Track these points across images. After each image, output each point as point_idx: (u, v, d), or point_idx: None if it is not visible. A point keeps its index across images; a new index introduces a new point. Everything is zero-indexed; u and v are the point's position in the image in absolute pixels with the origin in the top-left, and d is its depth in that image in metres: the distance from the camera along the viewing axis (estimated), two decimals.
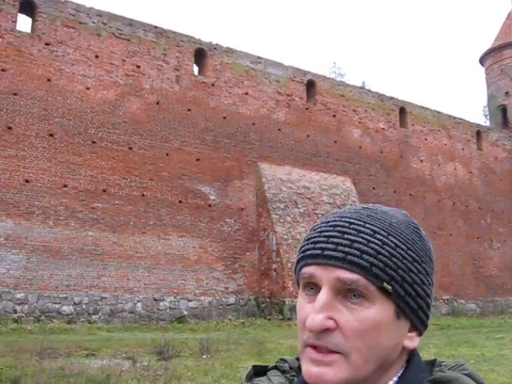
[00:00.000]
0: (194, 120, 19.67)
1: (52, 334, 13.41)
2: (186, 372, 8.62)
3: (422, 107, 27.48)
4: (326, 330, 0.86)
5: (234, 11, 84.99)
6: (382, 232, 0.90)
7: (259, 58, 21.95)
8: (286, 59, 65.78)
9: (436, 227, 25.26)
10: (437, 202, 26.39)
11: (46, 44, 17.24)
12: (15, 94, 16.43)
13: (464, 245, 26.76)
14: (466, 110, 79.26)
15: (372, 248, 0.87)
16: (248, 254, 19.92)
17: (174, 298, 17.94)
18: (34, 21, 17.38)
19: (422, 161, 26.57)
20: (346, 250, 0.88)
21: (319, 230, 0.94)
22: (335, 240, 0.90)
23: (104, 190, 17.38)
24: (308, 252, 0.92)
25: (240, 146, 20.55)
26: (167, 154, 18.83)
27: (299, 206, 20.69)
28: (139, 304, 17.26)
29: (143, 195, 18.07)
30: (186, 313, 17.97)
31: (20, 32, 16.95)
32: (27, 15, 17.53)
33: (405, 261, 0.89)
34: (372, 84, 67.69)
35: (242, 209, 20.17)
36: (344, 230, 0.90)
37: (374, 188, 24.18)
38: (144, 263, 17.59)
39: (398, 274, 0.88)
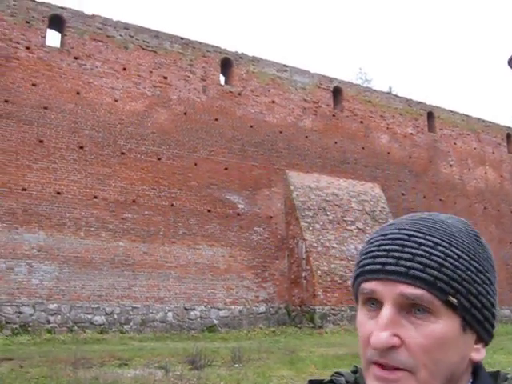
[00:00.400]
0: (222, 129, 19.76)
1: (85, 343, 13.54)
2: (219, 381, 8.63)
3: (451, 111, 27.19)
4: (391, 348, 0.83)
5: (259, 20, 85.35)
6: (444, 243, 0.87)
7: (285, 66, 21.98)
8: (311, 66, 65.76)
9: None
10: (467, 207, 26.04)
11: (75, 58, 17.52)
12: (46, 108, 16.72)
13: (496, 250, 26.29)
14: (495, 112, 78.23)
15: (435, 261, 0.85)
16: (277, 262, 19.89)
17: (205, 307, 17.98)
18: (62, 35, 17.68)
19: (451, 165, 26.28)
20: (408, 264, 0.85)
21: (377, 243, 0.91)
22: (396, 254, 0.87)
23: (134, 201, 17.54)
24: (367, 267, 0.90)
25: (268, 154, 20.57)
26: (195, 164, 18.93)
27: (328, 213, 20.61)
28: (170, 313, 17.33)
29: (172, 205, 18.19)
30: (216, 322, 17.98)
31: (49, 47, 17.25)
32: (56, 30, 17.83)
33: (469, 272, 0.86)
34: (399, 89, 67.30)
35: (271, 217, 20.16)
36: (404, 243, 0.88)
37: (403, 194, 23.97)
38: (174, 273, 17.68)
39: (462, 287, 0.85)
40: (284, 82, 21.69)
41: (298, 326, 18.58)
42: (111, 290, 16.55)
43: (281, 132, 21.06)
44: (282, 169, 20.73)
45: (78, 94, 17.32)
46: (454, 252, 0.87)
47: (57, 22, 17.53)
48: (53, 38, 17.83)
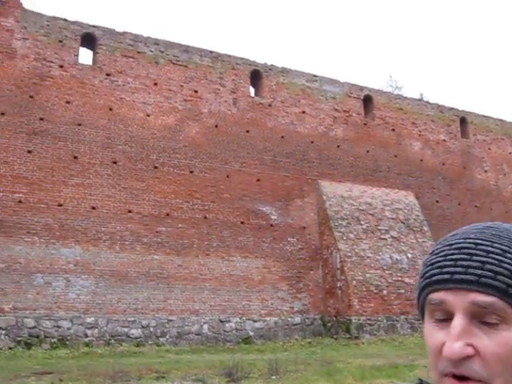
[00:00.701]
0: (253, 141, 19.81)
1: (122, 357, 13.64)
2: None
3: (484, 116, 26.80)
4: (465, 358, 0.82)
5: (288, 31, 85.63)
6: None
7: (315, 76, 21.97)
8: (341, 76, 65.64)
9: None
10: (504, 213, 25.57)
11: (107, 75, 17.80)
12: (79, 125, 16.99)
13: None
14: None
15: (505, 268, 0.84)
16: (312, 272, 19.79)
17: (240, 318, 17.97)
18: (94, 53, 17.99)
19: (486, 171, 25.88)
20: (478, 272, 0.84)
21: (443, 253, 0.91)
22: (464, 263, 0.86)
23: (167, 214, 17.66)
24: (435, 278, 0.89)
25: (299, 164, 20.55)
26: (228, 176, 19.00)
27: (362, 222, 20.45)
28: (205, 326, 17.35)
29: (206, 217, 18.26)
30: (252, 333, 17.95)
31: (82, 65, 17.57)
32: (88, 48, 18.15)
33: None
34: (430, 95, 66.59)
35: (304, 227, 20.09)
36: (471, 251, 0.87)
37: (437, 201, 23.68)
38: (209, 285, 17.72)
39: None
40: (314, 92, 21.67)
41: (334, 336, 18.42)
42: (147, 303, 16.67)
43: (312, 142, 21.03)
44: (314, 179, 20.68)
45: (110, 109, 17.58)
46: None
47: (89, 40, 17.85)
48: (85, 56, 18.18)
